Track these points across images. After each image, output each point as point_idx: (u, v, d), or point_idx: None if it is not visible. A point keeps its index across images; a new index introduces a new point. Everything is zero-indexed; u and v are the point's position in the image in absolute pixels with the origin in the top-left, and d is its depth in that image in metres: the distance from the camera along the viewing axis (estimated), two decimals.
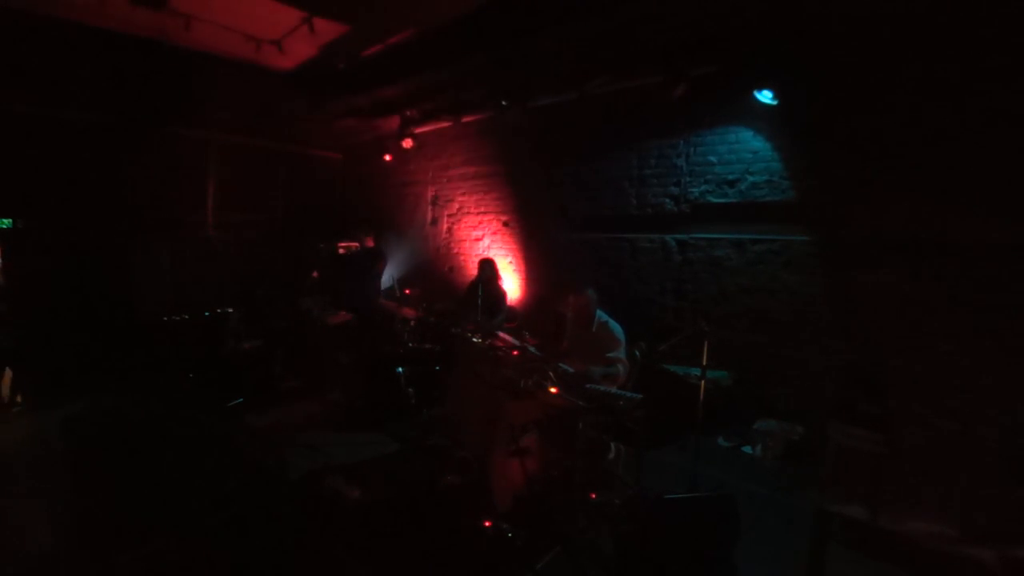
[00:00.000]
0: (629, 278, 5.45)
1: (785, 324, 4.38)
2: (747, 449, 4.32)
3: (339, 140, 9.21)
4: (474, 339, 4.80)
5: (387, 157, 7.75)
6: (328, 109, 8.05)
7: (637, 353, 4.08)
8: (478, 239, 7.25)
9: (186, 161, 7.41)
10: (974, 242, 3.47)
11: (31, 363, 5.72)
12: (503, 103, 5.91)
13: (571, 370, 3.80)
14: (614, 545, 2.99)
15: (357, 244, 7.31)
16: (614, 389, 3.68)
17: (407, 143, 7.21)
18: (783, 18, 4.01)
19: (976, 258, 3.46)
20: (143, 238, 6.91)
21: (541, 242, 6.45)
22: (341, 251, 7.90)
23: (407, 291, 6.33)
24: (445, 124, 7.21)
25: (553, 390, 3.45)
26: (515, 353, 4.34)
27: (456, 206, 7.56)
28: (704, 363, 3.40)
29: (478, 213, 7.24)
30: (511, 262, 6.77)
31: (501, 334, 4.71)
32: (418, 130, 7.33)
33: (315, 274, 6.87)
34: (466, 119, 6.89)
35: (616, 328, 4.02)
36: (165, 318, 5.97)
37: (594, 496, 3.29)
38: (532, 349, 4.30)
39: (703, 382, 3.41)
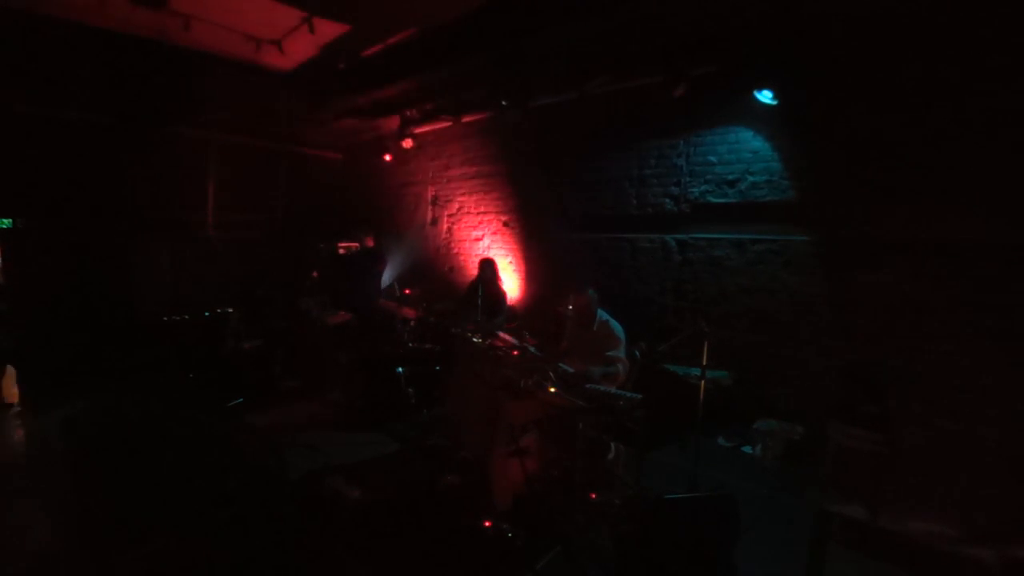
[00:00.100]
0: (629, 278, 5.45)
1: (785, 324, 4.38)
2: (747, 449, 4.32)
3: (339, 140, 9.21)
4: (474, 339, 4.80)
5: (387, 157, 7.75)
6: (328, 109, 8.05)
7: (637, 353, 4.08)
8: (478, 239, 7.25)
9: (186, 161, 7.41)
10: (974, 242, 3.47)
11: (31, 363, 5.73)
12: (503, 103, 5.91)
13: (571, 370, 3.80)
14: (614, 545, 2.99)
15: (357, 244, 7.31)
16: (614, 389, 3.68)
17: (407, 143, 7.21)
18: (783, 18, 4.01)
19: (976, 258, 3.46)
20: (143, 238, 6.91)
21: (541, 242, 6.45)
22: (341, 251, 7.89)
23: (407, 291, 6.33)
24: (445, 124, 7.21)
25: (553, 390, 3.45)
26: (515, 353, 4.34)
27: (456, 206, 7.56)
28: (704, 363, 3.40)
29: (478, 213, 7.24)
30: (511, 262, 6.77)
31: (501, 334, 4.71)
32: (418, 130, 7.33)
33: (315, 274, 6.87)
34: (466, 119, 6.89)
35: (617, 327, 4.02)
36: (165, 318, 5.97)
37: (594, 496, 3.29)
38: (532, 349, 4.30)
39: (703, 382, 3.41)
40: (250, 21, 5.69)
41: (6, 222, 6.08)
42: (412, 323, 5.81)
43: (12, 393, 5.45)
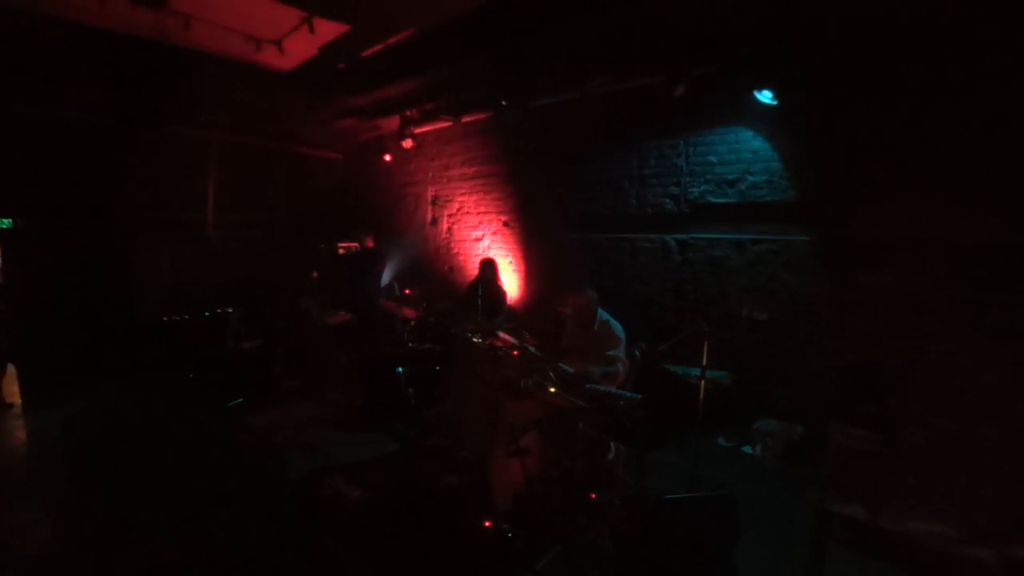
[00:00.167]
0: (629, 278, 5.45)
1: (785, 324, 4.38)
2: (747, 449, 4.32)
3: (339, 140, 9.20)
4: (474, 339, 4.80)
5: (387, 157, 7.76)
6: (328, 109, 8.05)
7: (637, 353, 4.08)
8: (478, 239, 7.25)
9: (186, 161, 7.41)
10: (974, 242, 3.47)
11: (31, 363, 5.73)
12: (503, 103, 5.91)
13: (571, 370, 3.80)
14: (614, 545, 2.99)
15: (357, 244, 7.32)
16: (614, 389, 3.68)
17: (407, 143, 7.21)
18: (783, 18, 4.01)
19: (976, 258, 3.46)
20: (143, 238, 6.91)
21: (541, 242, 6.45)
22: (341, 251, 7.90)
23: (407, 291, 6.33)
24: (445, 124, 7.21)
25: (553, 390, 3.45)
26: (515, 353, 4.34)
27: (456, 206, 7.56)
28: (704, 363, 3.40)
29: (478, 213, 7.24)
30: (511, 262, 6.77)
31: (501, 334, 4.71)
32: (418, 130, 7.33)
33: (315, 274, 6.87)
34: (466, 119, 6.89)
35: (617, 327, 4.02)
36: (165, 318, 5.97)
37: (594, 496, 3.29)
38: (532, 349, 4.30)
39: (703, 382, 3.41)
40: (250, 21, 5.69)
41: (6, 222, 6.08)
42: (412, 323, 5.81)
43: (12, 393, 5.46)
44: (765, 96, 4.10)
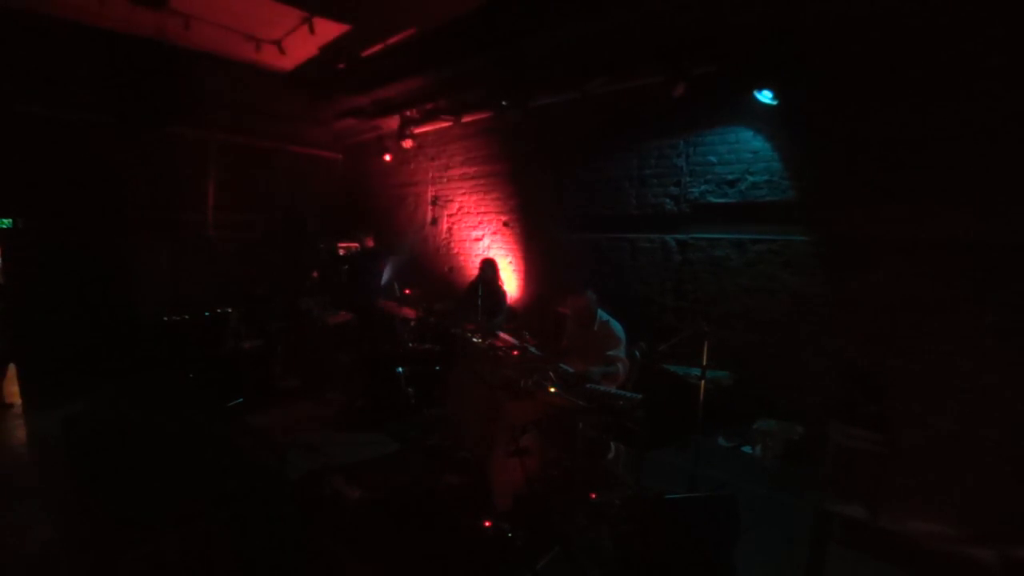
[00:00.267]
0: (629, 278, 5.45)
1: (785, 324, 4.38)
2: (747, 449, 4.32)
3: (339, 140, 9.21)
4: (474, 339, 4.80)
5: (387, 157, 7.76)
6: (328, 109, 8.06)
7: (637, 353, 4.08)
8: (478, 239, 7.25)
9: (186, 161, 7.41)
10: (974, 242, 3.46)
11: (31, 363, 5.73)
12: (503, 103, 5.91)
13: (571, 370, 3.81)
14: (614, 545, 2.99)
15: (357, 244, 7.32)
16: (614, 389, 3.68)
17: (407, 143, 7.21)
18: (783, 18, 4.01)
19: (976, 258, 3.46)
20: (143, 238, 6.91)
21: (541, 242, 6.45)
22: (341, 251, 7.91)
23: (407, 291, 6.33)
24: (445, 124, 7.21)
25: (553, 390, 3.45)
26: (515, 353, 4.34)
27: (456, 206, 7.56)
28: (704, 363, 3.40)
29: (478, 213, 7.24)
30: (511, 262, 6.77)
31: (501, 334, 4.71)
32: (418, 130, 7.33)
33: (315, 274, 6.87)
34: (466, 119, 6.89)
35: (617, 327, 4.02)
36: (165, 318, 5.97)
37: (594, 496, 3.29)
38: (532, 349, 4.30)
39: (703, 382, 3.41)
40: (250, 21, 5.69)
41: (6, 222, 6.09)
42: (412, 323, 5.81)
43: (12, 393, 5.46)
44: (765, 96, 4.10)
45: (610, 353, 3.90)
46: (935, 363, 3.59)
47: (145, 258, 6.88)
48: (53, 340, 5.90)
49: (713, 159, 4.83)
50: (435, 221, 7.87)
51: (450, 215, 7.67)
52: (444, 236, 7.80)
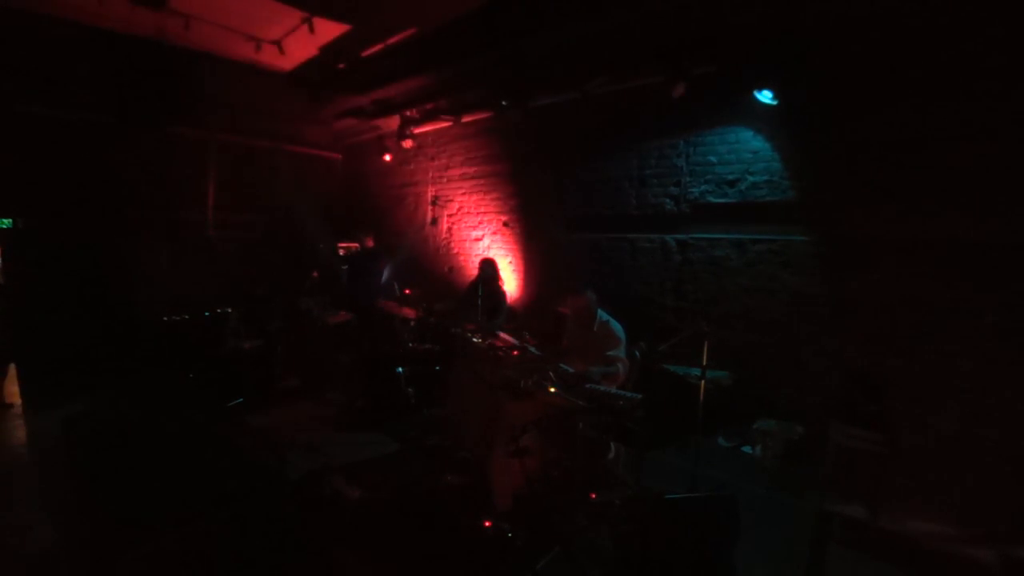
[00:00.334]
0: (629, 278, 5.45)
1: (785, 324, 4.38)
2: (747, 449, 4.32)
3: (339, 140, 9.22)
4: (474, 339, 4.80)
5: (387, 157, 7.76)
6: (328, 109, 8.06)
7: (637, 353, 4.08)
8: (478, 239, 7.25)
9: (186, 161, 7.41)
10: (974, 242, 3.46)
11: (31, 363, 5.73)
12: (503, 103, 5.91)
13: (571, 370, 3.80)
14: (614, 545, 2.99)
15: (357, 244, 7.32)
16: (614, 389, 3.68)
17: (407, 143, 7.21)
18: (783, 18, 4.01)
19: (976, 258, 3.46)
20: (143, 238, 6.91)
21: (541, 242, 6.45)
22: (341, 251, 7.91)
23: (407, 291, 6.33)
24: (445, 124, 7.21)
25: (553, 390, 3.45)
26: (515, 353, 4.34)
27: (456, 206, 7.57)
28: (704, 363, 3.39)
29: (478, 213, 7.24)
30: (511, 262, 6.77)
31: (501, 334, 4.71)
32: (418, 130, 7.33)
33: (315, 274, 6.87)
34: (466, 119, 6.89)
35: (617, 327, 4.02)
36: (165, 318, 5.97)
37: (594, 496, 3.29)
38: (532, 349, 4.30)
39: (703, 382, 3.41)
40: (250, 21, 5.70)
41: (6, 222, 6.09)
42: (412, 323, 5.81)
43: (12, 393, 5.46)
44: (765, 96, 4.10)
45: (610, 353, 3.90)
46: (935, 363, 3.59)
47: (145, 258, 6.87)
48: (53, 340, 5.89)
49: (713, 159, 4.83)
50: (435, 221, 7.87)
51: (450, 215, 7.67)
52: (444, 236, 7.80)
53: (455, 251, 7.62)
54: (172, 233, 7.26)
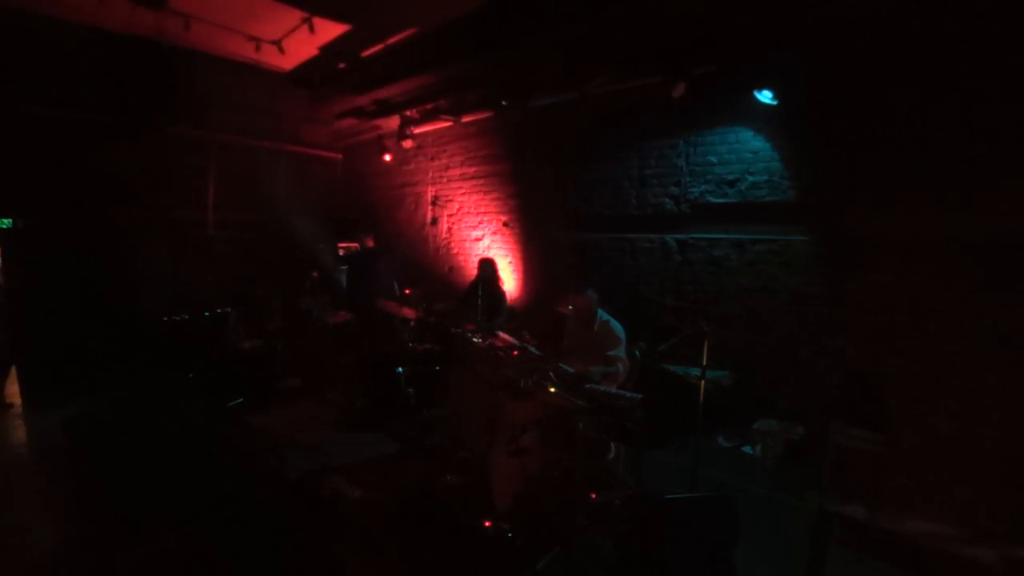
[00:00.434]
0: (629, 278, 5.45)
1: (785, 324, 4.38)
2: (747, 449, 4.32)
3: (339, 140, 9.21)
4: (474, 339, 4.80)
5: (387, 157, 7.75)
6: (328, 109, 8.05)
7: (637, 353, 4.08)
8: (478, 239, 7.25)
9: (186, 161, 7.41)
10: (974, 242, 3.47)
11: (31, 363, 5.73)
12: (503, 103, 5.91)
13: (571, 370, 3.80)
14: (614, 545, 2.99)
15: (357, 244, 7.32)
16: (614, 389, 3.68)
17: (407, 143, 7.21)
18: (783, 18, 4.01)
19: (976, 258, 3.46)
20: (143, 238, 6.91)
21: (541, 242, 6.45)
22: (341, 251, 7.90)
23: (407, 291, 6.34)
24: (445, 124, 7.21)
25: (553, 390, 3.45)
26: (515, 353, 4.34)
27: (456, 206, 7.57)
28: (704, 363, 3.40)
29: (478, 213, 7.24)
30: (511, 262, 6.77)
31: (501, 334, 4.71)
32: (418, 130, 7.33)
33: (315, 274, 6.87)
34: (466, 119, 6.89)
35: (617, 327, 4.02)
36: (165, 318, 5.97)
37: (594, 496, 3.29)
38: (532, 349, 4.30)
39: (703, 382, 3.41)
40: (250, 21, 5.69)
41: (6, 222, 6.08)
42: (412, 323, 5.81)
43: (12, 393, 5.46)
44: (765, 96, 4.10)
45: (610, 353, 3.90)
46: (935, 363, 3.59)
47: (145, 258, 6.87)
48: (53, 340, 5.90)
49: (713, 159, 4.83)
50: (435, 221, 7.87)
51: (450, 215, 7.67)
52: (444, 236, 7.80)
53: (455, 251, 7.62)
54: (172, 233, 7.26)
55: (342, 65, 6.63)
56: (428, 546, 3.07)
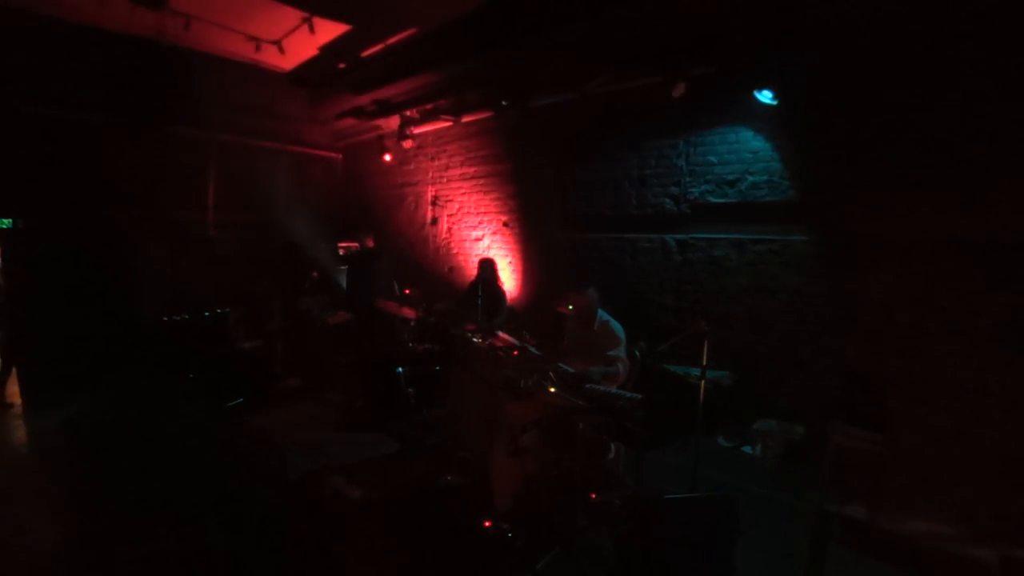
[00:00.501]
0: (629, 278, 5.45)
1: (785, 324, 4.37)
2: (747, 449, 4.32)
3: (339, 140, 9.21)
4: (474, 339, 4.80)
5: (387, 157, 7.76)
6: (328, 109, 8.06)
7: (637, 353, 4.08)
8: (478, 239, 7.25)
9: (186, 161, 7.41)
10: (974, 242, 3.47)
11: (31, 363, 5.73)
12: (503, 103, 5.91)
13: (571, 370, 3.80)
14: (614, 545, 2.99)
15: (357, 244, 7.32)
16: (614, 389, 3.68)
17: (407, 143, 7.21)
18: (783, 18, 4.01)
19: (976, 258, 3.46)
20: (143, 238, 6.91)
21: (541, 242, 6.45)
22: (341, 251, 7.90)
23: (407, 291, 6.34)
24: (445, 124, 7.21)
25: (553, 390, 3.45)
26: (515, 353, 4.34)
27: (456, 206, 7.57)
28: (704, 363, 3.39)
29: (478, 213, 7.24)
30: (511, 262, 6.77)
31: (501, 334, 4.71)
32: (418, 130, 7.33)
33: (315, 274, 6.87)
34: (466, 119, 6.89)
35: (617, 327, 4.02)
36: (165, 318, 5.97)
37: (594, 496, 3.29)
38: (532, 349, 4.30)
39: (703, 382, 3.41)
40: (250, 21, 5.70)
41: (6, 222, 6.08)
42: (412, 323, 5.81)
43: (12, 393, 5.46)
44: (765, 96, 4.10)
45: (610, 353, 3.90)
46: (935, 363, 3.59)
47: (145, 258, 6.87)
48: (53, 340, 5.90)
49: (713, 159, 4.83)
50: (435, 221, 7.87)
51: (450, 215, 7.67)
52: (444, 236, 7.80)
53: (455, 251, 7.62)
54: (172, 233, 7.25)
55: (342, 65, 6.63)
56: (428, 546, 3.07)
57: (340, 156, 9.47)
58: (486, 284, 5.63)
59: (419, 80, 6.33)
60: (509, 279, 6.67)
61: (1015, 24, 3.27)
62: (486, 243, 7.12)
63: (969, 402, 3.45)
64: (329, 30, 5.69)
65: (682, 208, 5.08)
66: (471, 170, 7.30)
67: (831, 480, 3.56)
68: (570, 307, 4.20)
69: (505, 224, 6.83)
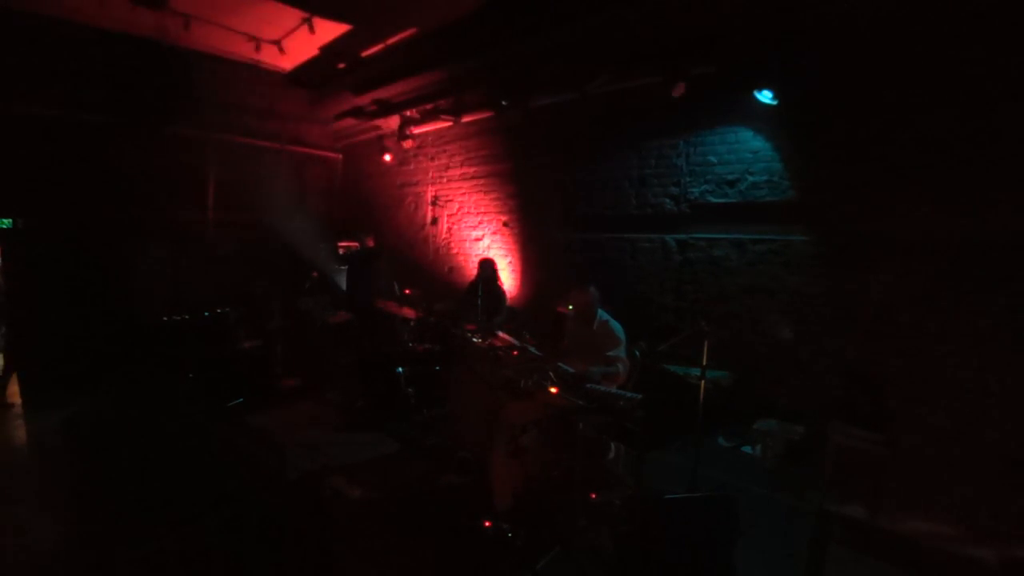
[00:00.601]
0: (629, 278, 5.45)
1: (785, 324, 4.37)
2: (747, 449, 4.32)
3: (339, 140, 9.21)
4: (474, 339, 4.80)
5: (387, 157, 7.76)
6: (328, 109, 8.06)
7: (637, 353, 4.08)
8: (478, 239, 7.25)
9: (186, 161, 7.40)
10: (974, 242, 3.47)
11: (31, 363, 5.73)
12: (503, 103, 5.91)
13: (571, 370, 3.80)
14: (614, 545, 2.99)
15: (357, 244, 7.32)
16: (614, 389, 3.68)
17: (407, 143, 7.21)
18: (783, 18, 4.01)
19: (977, 258, 3.46)
20: (143, 238, 6.91)
21: (541, 242, 6.45)
22: (341, 251, 7.90)
23: (407, 291, 6.34)
24: (445, 124, 7.21)
25: (553, 390, 3.45)
26: (515, 353, 4.34)
27: (456, 206, 7.57)
28: (704, 363, 3.39)
29: (478, 213, 7.25)
30: (511, 262, 6.77)
31: (501, 334, 4.71)
32: (418, 130, 7.33)
33: (315, 274, 6.87)
34: (466, 119, 6.89)
35: (617, 327, 4.02)
36: (165, 318, 5.97)
37: (594, 496, 3.29)
38: (532, 349, 4.30)
39: (703, 382, 3.41)
40: (250, 21, 5.70)
41: (6, 222, 6.08)
42: (412, 323, 5.81)
43: (12, 393, 5.46)
44: (765, 96, 4.10)
45: (610, 353, 3.89)
46: (935, 363, 3.59)
47: (145, 258, 6.87)
48: (53, 340, 5.89)
49: (713, 159, 4.83)
50: (435, 221, 7.87)
51: (450, 215, 7.67)
52: (444, 236, 7.80)
53: (455, 251, 7.63)
54: (172, 233, 7.25)
55: (342, 65, 6.63)
56: (428, 546, 3.07)
57: (340, 156, 9.46)
58: (486, 284, 5.63)
59: (419, 80, 6.32)
60: (509, 279, 6.67)
61: (1015, 24, 3.27)
62: (486, 243, 7.12)
63: (969, 402, 3.45)
64: (329, 30, 5.69)
65: (682, 208, 5.08)
66: (471, 170, 7.30)
67: (831, 480, 3.56)
68: (570, 307, 4.19)
69: (505, 224, 6.83)
